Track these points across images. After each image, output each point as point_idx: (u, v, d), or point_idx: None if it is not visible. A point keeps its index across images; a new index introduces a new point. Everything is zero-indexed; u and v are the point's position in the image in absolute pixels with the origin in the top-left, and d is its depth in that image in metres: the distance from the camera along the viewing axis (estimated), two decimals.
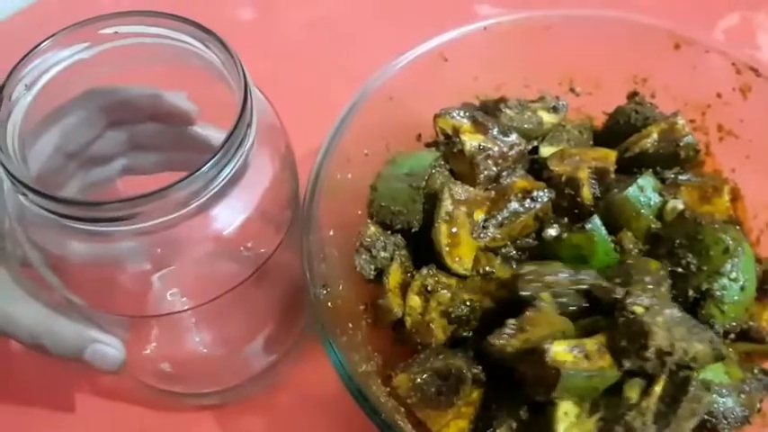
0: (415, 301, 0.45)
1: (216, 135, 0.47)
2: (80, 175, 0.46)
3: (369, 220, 0.48)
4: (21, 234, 0.38)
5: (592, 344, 0.40)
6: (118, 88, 0.44)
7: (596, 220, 0.45)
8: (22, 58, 0.36)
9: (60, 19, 0.38)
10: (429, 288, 0.45)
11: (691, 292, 0.43)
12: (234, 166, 0.35)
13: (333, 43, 0.72)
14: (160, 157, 0.48)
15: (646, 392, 0.39)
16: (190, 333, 0.44)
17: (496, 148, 0.48)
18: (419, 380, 0.43)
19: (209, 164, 0.34)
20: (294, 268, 0.45)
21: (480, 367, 0.43)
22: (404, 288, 0.46)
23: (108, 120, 0.45)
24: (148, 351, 0.45)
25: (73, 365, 0.41)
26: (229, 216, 0.37)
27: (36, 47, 0.37)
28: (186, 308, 0.40)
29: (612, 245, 0.45)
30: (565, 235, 0.46)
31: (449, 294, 0.45)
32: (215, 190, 0.35)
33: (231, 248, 0.39)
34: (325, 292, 0.42)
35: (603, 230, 0.45)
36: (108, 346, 0.41)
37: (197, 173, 0.34)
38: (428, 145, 0.52)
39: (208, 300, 0.40)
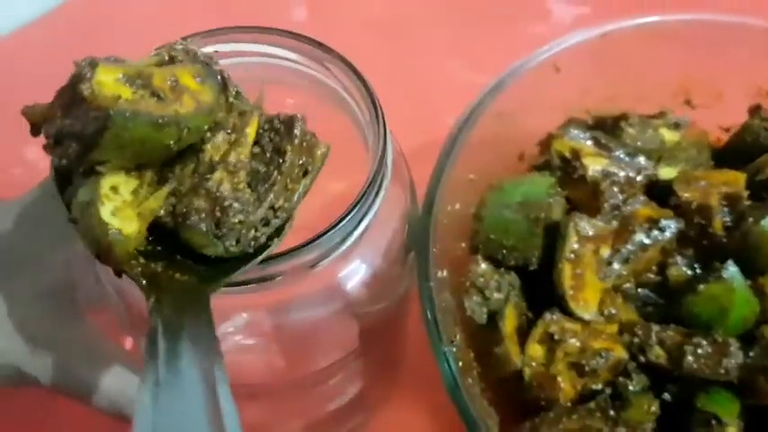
0: (536, 350, 0.40)
1: None
2: None
3: (478, 256, 0.42)
4: (104, 281, 0.32)
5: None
6: None
7: (732, 266, 0.40)
8: None
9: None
10: (555, 337, 0.40)
11: None
12: (372, 217, 0.30)
13: (396, 45, 0.66)
14: None
15: (234, 142, 0.27)
16: (285, 399, 0.39)
17: (622, 173, 0.43)
18: None
19: (347, 218, 0.28)
20: (403, 319, 0.39)
21: (622, 429, 0.38)
22: (520, 334, 0.41)
23: None
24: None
25: None
26: (356, 272, 0.32)
27: None
28: (284, 376, 0.35)
29: (752, 291, 0.41)
30: (701, 287, 0.40)
31: (578, 343, 0.40)
32: (348, 245, 0.29)
33: (352, 309, 0.33)
34: (454, 349, 0.36)
35: (741, 277, 0.40)
36: None
37: (333, 229, 0.28)
38: (536, 167, 0.46)
39: (314, 365, 0.34)
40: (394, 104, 0.50)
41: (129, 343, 0.36)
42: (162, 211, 0.26)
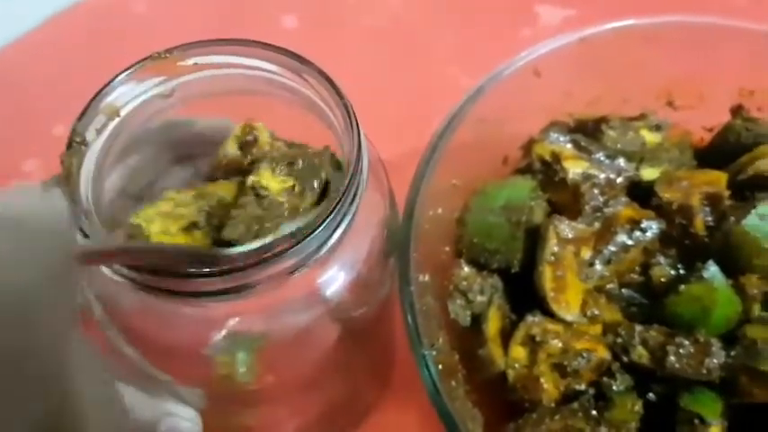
0: (519, 352, 0.41)
1: None
2: None
3: (461, 260, 0.43)
4: (88, 291, 0.33)
5: None
6: (186, 121, 0.38)
7: (713, 266, 0.41)
8: (92, 99, 0.31)
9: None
10: (537, 338, 0.40)
11: None
12: (348, 224, 0.30)
13: (389, 52, 0.67)
14: None
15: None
16: (272, 400, 0.39)
17: (603, 176, 0.43)
18: None
19: (322, 226, 0.29)
20: (386, 322, 0.40)
21: (605, 429, 0.39)
22: (503, 336, 0.42)
23: (174, 154, 0.39)
24: (228, 420, 0.40)
25: None
26: (336, 278, 0.32)
27: (106, 86, 0.32)
28: (272, 381, 0.35)
29: (733, 290, 0.41)
30: (682, 287, 0.41)
31: (560, 345, 0.40)
32: (324, 253, 0.30)
33: (334, 314, 0.34)
34: (434, 353, 0.37)
35: (722, 277, 0.41)
36: (183, 420, 0.37)
37: (308, 238, 0.29)
38: (519, 171, 0.47)
39: (300, 371, 0.35)
40: (383, 111, 0.51)
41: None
42: None
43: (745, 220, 0.42)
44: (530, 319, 0.41)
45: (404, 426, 0.48)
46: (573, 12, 0.67)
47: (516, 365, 0.41)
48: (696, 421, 0.39)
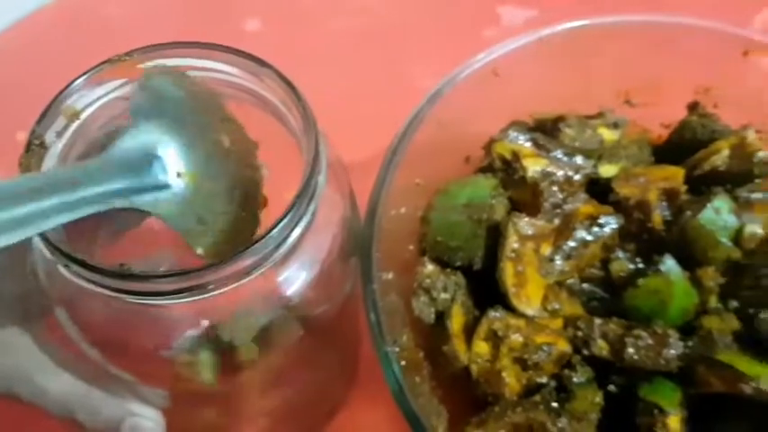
0: (481, 347, 0.42)
1: None
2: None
3: (425, 258, 0.43)
4: (50, 295, 0.33)
5: None
6: None
7: (670, 259, 0.42)
8: (52, 101, 0.31)
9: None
10: (499, 333, 0.41)
11: None
12: (306, 223, 0.31)
13: (353, 55, 0.67)
14: None
15: None
16: (236, 399, 0.40)
17: (561, 173, 0.44)
18: None
19: (279, 226, 0.29)
20: (350, 319, 0.41)
21: (565, 420, 0.39)
22: (467, 332, 0.43)
23: None
24: (190, 419, 0.40)
25: None
26: (296, 277, 0.33)
27: (65, 88, 0.32)
28: (236, 379, 0.36)
29: (690, 283, 0.42)
30: (640, 281, 0.42)
31: (521, 339, 0.41)
32: (283, 253, 0.30)
33: (295, 312, 0.34)
34: (397, 349, 0.38)
35: (679, 270, 0.42)
36: (146, 419, 0.37)
37: (266, 237, 0.29)
38: (481, 170, 0.48)
39: (263, 369, 0.35)
40: (348, 114, 0.52)
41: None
42: None
43: (700, 215, 0.43)
44: (492, 314, 0.41)
45: (372, 422, 0.49)
46: (535, 12, 0.68)
47: (479, 360, 0.41)
48: (655, 411, 0.40)
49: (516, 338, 0.41)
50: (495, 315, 0.41)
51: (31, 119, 0.33)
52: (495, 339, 0.41)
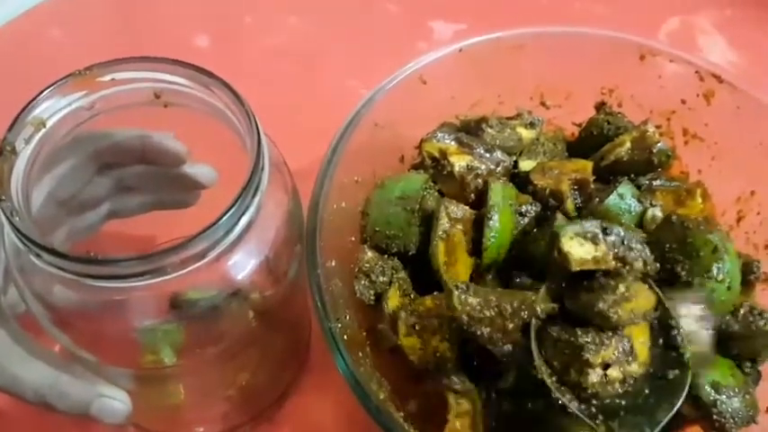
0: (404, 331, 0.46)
1: (205, 172, 0.47)
2: (68, 221, 0.45)
3: (365, 246, 0.48)
4: (23, 289, 0.37)
5: None
6: (106, 132, 0.43)
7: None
8: (21, 112, 0.35)
9: None
10: (416, 327, 0.45)
11: None
12: (252, 214, 0.35)
13: (295, 69, 0.72)
14: (147, 198, 0.48)
15: None
16: (196, 378, 0.43)
17: (483, 166, 0.50)
18: None
19: (227, 214, 0.34)
20: (296, 303, 0.45)
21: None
22: (403, 310, 0.47)
23: (97, 165, 0.44)
24: (155, 398, 0.44)
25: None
26: (245, 262, 0.37)
27: (33, 100, 0.36)
28: (195, 358, 0.40)
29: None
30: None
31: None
32: (232, 239, 0.35)
33: (245, 294, 0.38)
34: (339, 325, 0.42)
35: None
36: (114, 400, 0.40)
37: (216, 224, 0.33)
38: (414, 167, 0.53)
39: (217, 347, 0.39)
40: (290, 123, 0.56)
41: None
42: None
43: (607, 200, 0.49)
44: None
45: (321, 406, 0.53)
46: (464, 26, 0.73)
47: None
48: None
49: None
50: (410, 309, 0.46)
51: None
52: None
